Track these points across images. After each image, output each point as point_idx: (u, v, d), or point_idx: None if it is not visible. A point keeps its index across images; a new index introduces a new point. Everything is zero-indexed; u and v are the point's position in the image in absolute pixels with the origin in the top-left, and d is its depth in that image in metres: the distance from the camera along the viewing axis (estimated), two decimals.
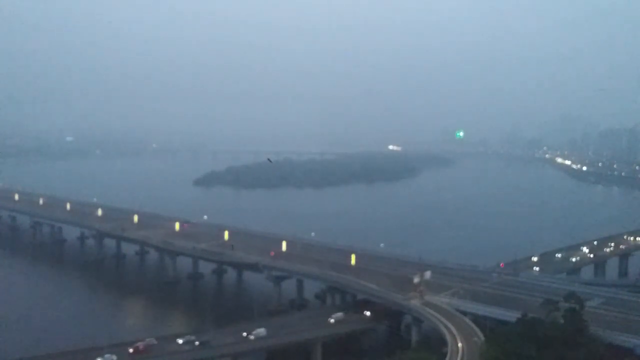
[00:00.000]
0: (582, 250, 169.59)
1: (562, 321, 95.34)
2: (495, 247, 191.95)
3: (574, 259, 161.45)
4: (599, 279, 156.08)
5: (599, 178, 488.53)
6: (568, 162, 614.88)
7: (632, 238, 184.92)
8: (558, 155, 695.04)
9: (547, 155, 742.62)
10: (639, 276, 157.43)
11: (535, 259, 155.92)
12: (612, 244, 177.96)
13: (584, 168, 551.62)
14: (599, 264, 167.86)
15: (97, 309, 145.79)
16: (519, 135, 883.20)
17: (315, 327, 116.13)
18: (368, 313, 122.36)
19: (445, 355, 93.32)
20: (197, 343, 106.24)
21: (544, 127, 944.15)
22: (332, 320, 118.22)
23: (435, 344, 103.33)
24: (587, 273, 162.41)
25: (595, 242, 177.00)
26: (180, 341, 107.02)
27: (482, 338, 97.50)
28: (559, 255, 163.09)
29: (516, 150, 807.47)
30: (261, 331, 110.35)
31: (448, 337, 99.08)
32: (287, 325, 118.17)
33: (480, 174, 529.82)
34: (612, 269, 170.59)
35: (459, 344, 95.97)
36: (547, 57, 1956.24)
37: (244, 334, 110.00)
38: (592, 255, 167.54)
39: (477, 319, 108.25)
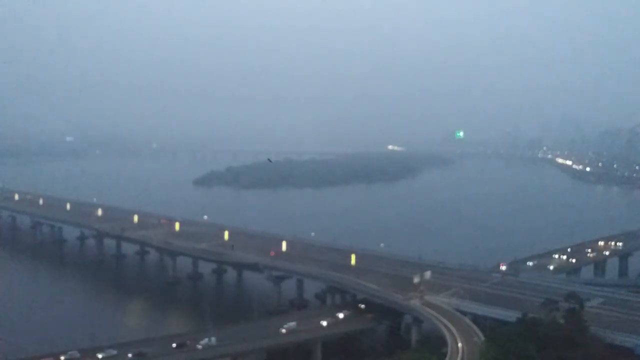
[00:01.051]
0: (554, 257, 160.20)
1: (562, 321, 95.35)
2: (495, 247, 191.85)
3: (551, 267, 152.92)
4: (599, 279, 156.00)
5: (599, 178, 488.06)
6: (568, 162, 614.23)
7: (612, 243, 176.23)
8: (558, 155, 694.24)
9: (547, 156, 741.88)
10: (639, 276, 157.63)
11: (503, 267, 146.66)
12: (589, 250, 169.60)
13: (585, 168, 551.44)
14: (599, 264, 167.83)
15: (96, 310, 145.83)
16: (519, 135, 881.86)
17: (268, 337, 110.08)
18: (324, 323, 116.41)
19: (445, 355, 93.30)
20: (129, 355, 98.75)
21: (544, 127, 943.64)
22: (283, 331, 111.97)
23: (435, 344, 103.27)
24: (587, 273, 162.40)
25: (569, 249, 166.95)
26: (100, 356, 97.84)
27: (482, 338, 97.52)
28: (530, 263, 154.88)
29: (516, 150, 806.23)
30: (210, 340, 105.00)
31: (448, 337, 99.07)
32: (241, 333, 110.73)
33: (480, 174, 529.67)
34: (612, 269, 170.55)
35: (459, 344, 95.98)
36: (547, 57, 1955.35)
37: (173, 345, 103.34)
38: (573, 261, 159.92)
39: (477, 319, 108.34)
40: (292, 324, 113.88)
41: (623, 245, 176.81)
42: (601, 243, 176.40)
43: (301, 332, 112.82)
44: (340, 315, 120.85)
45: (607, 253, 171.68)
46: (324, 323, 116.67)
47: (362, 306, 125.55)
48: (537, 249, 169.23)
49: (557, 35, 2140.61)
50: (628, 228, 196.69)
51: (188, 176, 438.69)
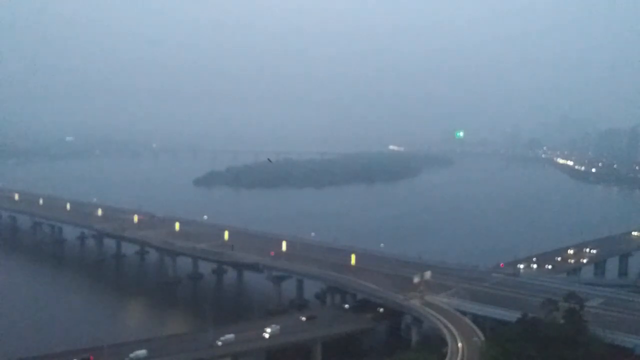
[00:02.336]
0: (518, 267, 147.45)
1: (562, 321, 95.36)
2: (494, 247, 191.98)
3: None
4: (599, 279, 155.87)
5: (599, 178, 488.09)
6: (568, 162, 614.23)
7: (588, 250, 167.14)
8: (558, 155, 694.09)
9: (547, 155, 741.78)
10: (638, 277, 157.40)
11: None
12: (559, 259, 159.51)
13: (584, 168, 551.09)
14: (599, 264, 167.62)
15: (97, 310, 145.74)
16: (519, 135, 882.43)
17: (203, 349, 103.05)
18: (267, 334, 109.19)
19: (445, 355, 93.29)
20: None
21: (544, 127, 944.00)
22: (219, 343, 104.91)
23: (435, 344, 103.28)
24: (587, 273, 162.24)
25: (534, 259, 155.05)
26: None
27: (482, 338, 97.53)
28: (495, 275, 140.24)
29: (516, 150, 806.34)
30: (141, 353, 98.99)
31: (448, 337, 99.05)
32: (174, 344, 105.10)
33: (480, 174, 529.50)
34: (612, 269, 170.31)
35: (459, 344, 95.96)
36: (547, 57, 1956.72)
37: None
38: (550, 267, 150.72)
39: (477, 319, 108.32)
40: (230, 336, 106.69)
41: (598, 252, 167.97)
42: (571, 251, 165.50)
43: (238, 344, 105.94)
44: (275, 328, 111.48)
45: (584, 260, 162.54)
46: (266, 334, 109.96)
47: (303, 318, 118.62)
48: (538, 247, 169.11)
49: (556, 35, 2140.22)
50: (616, 231, 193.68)
51: (188, 176, 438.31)
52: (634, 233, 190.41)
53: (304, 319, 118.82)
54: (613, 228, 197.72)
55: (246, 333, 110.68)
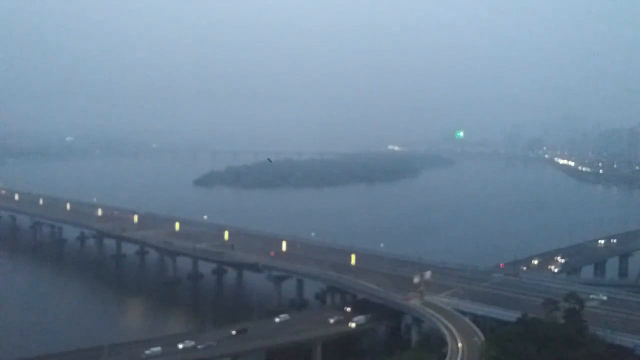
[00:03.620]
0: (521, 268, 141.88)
1: (562, 321, 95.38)
2: (494, 247, 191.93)
3: None
4: (599, 279, 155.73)
5: (599, 178, 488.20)
6: (568, 162, 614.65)
7: (558, 258, 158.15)
8: (558, 155, 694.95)
9: (547, 155, 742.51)
10: (639, 276, 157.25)
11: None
12: (525, 268, 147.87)
13: (584, 168, 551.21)
14: (599, 263, 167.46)
15: (96, 310, 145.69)
16: (519, 135, 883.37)
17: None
18: (188, 345, 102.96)
19: (445, 355, 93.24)
20: None
21: (544, 127, 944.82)
22: (143, 357, 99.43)
23: (435, 344, 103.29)
24: (587, 273, 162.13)
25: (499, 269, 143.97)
26: None
27: (482, 338, 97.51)
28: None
29: (516, 150, 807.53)
30: None
31: (448, 337, 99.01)
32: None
33: (480, 174, 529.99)
34: (612, 269, 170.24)
35: (459, 344, 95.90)
36: (547, 57, 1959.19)
37: None
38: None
39: (477, 319, 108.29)
40: (157, 349, 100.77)
41: (566, 261, 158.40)
42: (535, 261, 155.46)
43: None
44: (189, 343, 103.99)
45: (556, 270, 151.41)
46: (187, 345, 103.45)
47: (234, 332, 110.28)
48: (538, 248, 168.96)
49: (557, 35, 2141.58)
50: (585, 237, 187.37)
51: (188, 176, 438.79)
52: (601, 241, 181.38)
53: (234, 332, 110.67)
54: (587, 234, 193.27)
55: (176, 346, 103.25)
